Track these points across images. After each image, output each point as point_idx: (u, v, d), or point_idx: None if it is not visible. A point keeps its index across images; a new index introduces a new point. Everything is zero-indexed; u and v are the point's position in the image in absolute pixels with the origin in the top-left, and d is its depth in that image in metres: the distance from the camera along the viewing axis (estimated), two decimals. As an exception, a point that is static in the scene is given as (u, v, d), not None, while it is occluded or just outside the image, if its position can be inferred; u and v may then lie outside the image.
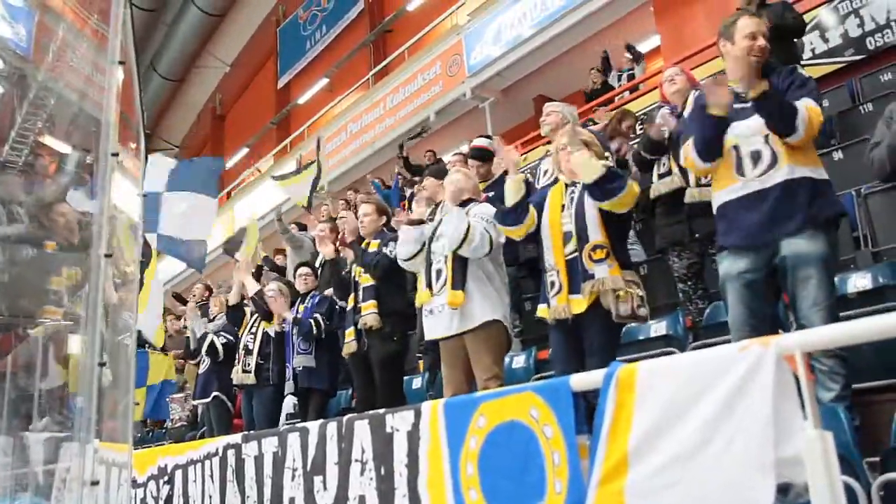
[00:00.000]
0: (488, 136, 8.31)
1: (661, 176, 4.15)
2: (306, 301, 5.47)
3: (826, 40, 6.62)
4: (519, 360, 4.77)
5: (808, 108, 2.74)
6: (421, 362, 5.92)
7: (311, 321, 5.23)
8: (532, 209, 3.39)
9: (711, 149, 2.89)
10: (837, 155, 4.74)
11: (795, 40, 5.12)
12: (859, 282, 3.31)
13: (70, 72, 3.38)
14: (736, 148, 2.84)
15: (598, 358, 2.87)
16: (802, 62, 5.18)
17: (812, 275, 2.67)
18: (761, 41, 2.88)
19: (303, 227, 8.66)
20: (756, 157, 2.79)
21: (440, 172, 5.05)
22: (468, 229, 3.67)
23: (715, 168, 2.94)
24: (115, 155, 2.22)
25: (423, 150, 10.65)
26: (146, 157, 3.86)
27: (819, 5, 6.71)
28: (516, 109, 11.70)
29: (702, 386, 1.82)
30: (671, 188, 4.08)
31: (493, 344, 3.69)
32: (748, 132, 2.82)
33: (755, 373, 1.71)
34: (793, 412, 1.66)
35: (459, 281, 3.71)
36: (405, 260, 4.08)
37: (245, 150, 21.60)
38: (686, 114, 3.94)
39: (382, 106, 13.62)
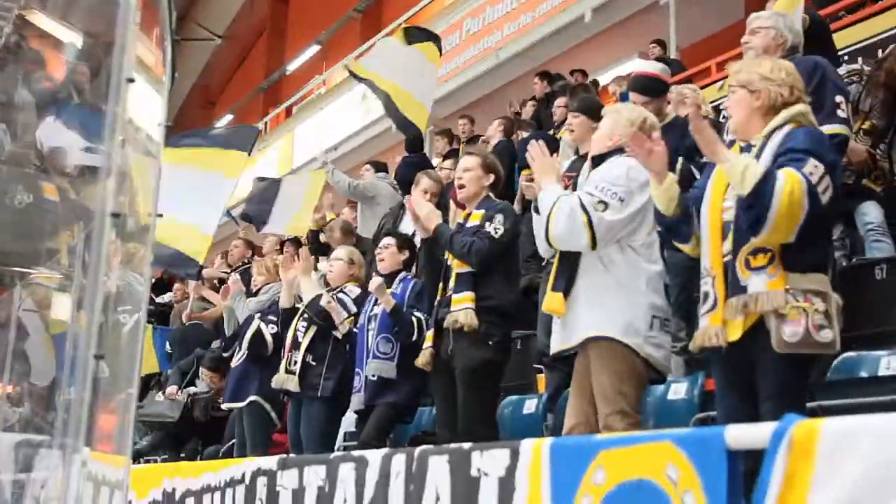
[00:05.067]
0: (664, 58, 8.30)
1: None
2: (395, 285, 5.47)
3: None
4: (678, 390, 4.76)
5: None
6: (541, 377, 6.06)
7: (414, 319, 5.19)
8: None
9: None
10: None
11: None
12: None
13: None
14: None
15: (774, 404, 2.90)
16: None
17: None
18: None
19: (381, 167, 8.84)
20: None
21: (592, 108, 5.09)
22: (549, 215, 3.72)
23: None
24: (131, 80, 2.40)
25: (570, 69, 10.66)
26: (174, 49, 4.08)
27: None
28: (717, 10, 11.40)
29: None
30: None
31: (618, 369, 3.71)
32: None
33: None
34: None
35: (563, 278, 3.82)
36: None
37: (315, 48, 22.10)
38: None
39: (515, -3, 13.67)
